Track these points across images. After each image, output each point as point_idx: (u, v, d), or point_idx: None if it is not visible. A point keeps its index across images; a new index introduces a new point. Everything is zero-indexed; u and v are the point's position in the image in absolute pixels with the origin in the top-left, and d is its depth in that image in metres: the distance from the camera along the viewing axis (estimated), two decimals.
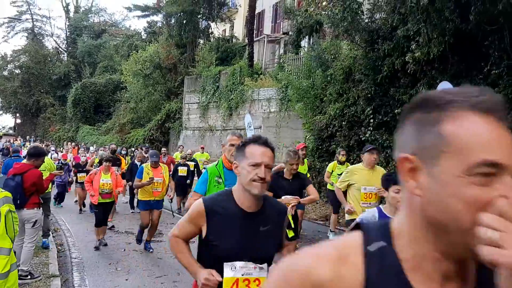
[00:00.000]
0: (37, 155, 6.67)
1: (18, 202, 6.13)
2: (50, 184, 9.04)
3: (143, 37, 42.92)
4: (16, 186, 6.17)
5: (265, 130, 20.02)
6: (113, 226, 10.64)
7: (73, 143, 27.84)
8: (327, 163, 13.40)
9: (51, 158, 14.09)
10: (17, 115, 56.80)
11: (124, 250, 8.67)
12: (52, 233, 9.85)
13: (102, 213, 8.68)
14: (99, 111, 39.84)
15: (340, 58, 14.25)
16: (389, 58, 11.61)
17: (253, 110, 20.93)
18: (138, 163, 12.04)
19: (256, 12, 26.35)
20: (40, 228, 6.77)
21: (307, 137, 15.52)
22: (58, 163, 12.61)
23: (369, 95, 12.67)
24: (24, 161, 6.79)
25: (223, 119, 23.89)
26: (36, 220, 6.44)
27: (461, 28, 9.76)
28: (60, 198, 13.89)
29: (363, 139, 12.86)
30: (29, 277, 6.34)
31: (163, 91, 30.99)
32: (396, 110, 11.85)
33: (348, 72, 13.69)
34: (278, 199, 4.02)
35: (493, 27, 9.49)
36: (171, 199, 10.64)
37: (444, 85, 8.90)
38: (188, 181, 13.23)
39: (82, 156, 14.00)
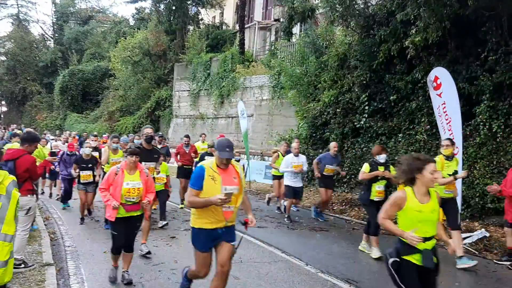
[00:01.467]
0: (31, 140, 6.41)
1: None
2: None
3: (131, 24, 42.29)
4: (8, 172, 5.92)
5: (257, 118, 19.88)
6: (148, 252, 7.24)
7: (72, 132, 24.78)
8: (320, 151, 13.35)
9: (51, 147, 13.51)
10: (3, 102, 55.88)
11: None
12: (43, 221, 9.67)
13: (125, 234, 5.88)
14: (87, 98, 39.29)
15: (334, 44, 14.12)
16: (385, 44, 11.51)
17: (245, 97, 20.74)
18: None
19: None
20: (33, 216, 6.56)
21: (300, 125, 15.41)
22: (63, 153, 11.70)
23: (364, 82, 12.59)
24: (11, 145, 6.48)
25: (214, 107, 23.68)
26: (30, 208, 6.20)
27: (459, 13, 9.67)
28: (66, 195, 11.67)
29: (357, 126, 12.80)
30: (22, 265, 6.15)
31: (153, 79, 30.61)
32: (392, 97, 11.79)
33: (343, 58, 13.58)
34: None
35: (491, 13, 9.43)
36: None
37: (439, 71, 8.82)
38: None
39: (86, 147, 10.29)
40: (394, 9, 10.78)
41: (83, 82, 38.76)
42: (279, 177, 11.22)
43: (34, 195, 6.36)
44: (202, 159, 10.84)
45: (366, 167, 7.59)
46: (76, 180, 10.17)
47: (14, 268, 5.91)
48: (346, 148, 13.20)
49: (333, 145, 10.50)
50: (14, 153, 6.18)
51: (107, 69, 36.33)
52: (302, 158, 10.58)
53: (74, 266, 6.73)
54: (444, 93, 8.59)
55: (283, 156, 10.93)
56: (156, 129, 28.56)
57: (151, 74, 30.67)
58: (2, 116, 56.13)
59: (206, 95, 24.76)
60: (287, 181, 10.45)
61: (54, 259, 6.92)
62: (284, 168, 10.40)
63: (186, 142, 12.53)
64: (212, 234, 4.65)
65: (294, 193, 10.45)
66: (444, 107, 8.54)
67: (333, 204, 12.28)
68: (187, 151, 12.30)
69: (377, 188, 7.51)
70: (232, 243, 4.71)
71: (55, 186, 14.03)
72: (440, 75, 8.74)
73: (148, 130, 7.96)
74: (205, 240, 4.67)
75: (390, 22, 11.41)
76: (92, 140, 11.21)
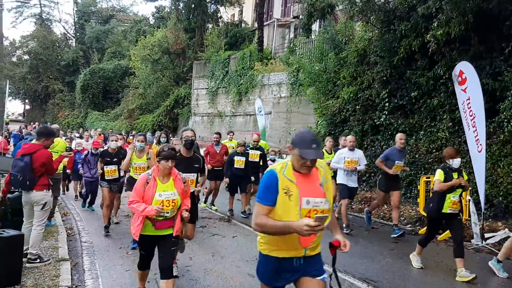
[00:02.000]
0: (47, 134, 6.36)
1: (28, 183, 6.00)
2: (62, 165, 8.91)
3: (151, 23, 42.60)
4: (24, 167, 5.96)
5: (275, 116, 19.74)
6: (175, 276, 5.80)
7: (98, 129, 24.56)
8: (339, 148, 13.11)
9: (75, 146, 12.75)
10: (26, 101, 56.93)
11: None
12: (61, 217, 9.73)
13: (150, 251, 4.91)
14: (108, 97, 39.76)
15: (354, 40, 13.89)
16: (406, 39, 11.25)
17: (263, 95, 20.61)
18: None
19: None
20: (49, 210, 6.57)
21: (319, 122, 15.22)
22: (87, 153, 10.65)
23: (385, 78, 12.34)
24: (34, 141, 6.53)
25: (232, 105, 23.60)
26: (45, 202, 6.18)
27: (482, 7, 9.37)
28: (91, 198, 10.90)
29: (377, 123, 12.56)
30: (38, 260, 6.17)
31: (172, 77, 30.74)
32: (413, 93, 11.53)
33: (362, 54, 13.34)
34: None
35: None
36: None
37: (464, 66, 8.53)
38: (252, 178, 10.49)
39: (112, 141, 8.94)
40: (415, 3, 10.53)
41: (104, 80, 39.24)
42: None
43: (50, 190, 6.36)
44: (231, 160, 10.23)
45: (440, 174, 6.47)
46: (99, 177, 9.02)
47: (30, 262, 5.98)
48: (365, 145, 12.97)
49: (399, 137, 8.85)
50: (30, 147, 6.16)
51: (127, 68, 36.70)
52: (358, 153, 9.15)
53: (89, 262, 6.73)
54: (468, 88, 8.29)
55: (329, 154, 9.81)
56: (174, 127, 28.71)
57: (170, 72, 30.80)
58: (25, 114, 57.22)
59: (224, 93, 24.70)
60: (341, 178, 9.09)
61: (69, 254, 6.93)
62: (335, 164, 8.98)
63: (217, 140, 11.21)
64: (285, 265, 3.19)
65: (350, 193, 9.18)
66: (469, 103, 8.24)
67: (352, 203, 12.07)
68: (217, 151, 11.04)
69: (452, 198, 6.43)
70: (321, 278, 3.23)
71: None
72: (465, 69, 8.44)
73: (188, 133, 6.22)
74: (274, 273, 3.22)
75: (411, 17, 11.15)
76: (116, 139, 8.89)
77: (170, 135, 10.78)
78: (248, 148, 10.68)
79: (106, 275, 6.15)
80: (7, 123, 25.36)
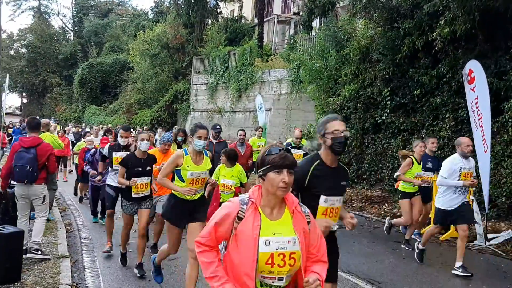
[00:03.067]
0: (36, 126, 6.43)
1: (35, 174, 6.02)
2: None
3: (150, 17, 42.39)
4: (33, 158, 5.99)
5: (275, 112, 19.65)
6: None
7: (108, 125, 23.89)
8: None
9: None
10: (24, 94, 56.65)
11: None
12: (60, 213, 9.62)
13: None
14: (106, 91, 39.57)
15: (356, 37, 13.77)
16: (409, 37, 11.13)
17: (263, 91, 20.51)
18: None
19: None
20: (48, 203, 6.64)
21: (320, 120, 15.13)
22: (95, 152, 8.74)
23: (387, 76, 12.23)
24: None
25: (232, 101, 23.50)
26: (44, 196, 6.26)
27: (489, 5, 9.26)
28: (94, 207, 9.05)
29: (378, 121, 12.47)
30: (39, 252, 6.16)
31: (171, 72, 30.60)
32: (415, 92, 11.43)
33: (365, 52, 13.22)
34: None
35: None
36: None
37: (473, 64, 8.43)
38: None
39: (143, 140, 5.89)
40: (420, 1, 10.41)
41: (102, 74, 39.03)
42: (410, 195, 7.59)
43: (46, 184, 6.40)
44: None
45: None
46: (121, 193, 6.27)
47: (31, 253, 6.05)
48: (366, 144, 12.89)
49: (466, 142, 6.49)
50: (34, 140, 6.17)
51: (125, 62, 36.51)
52: (473, 162, 6.74)
53: (90, 259, 6.64)
54: (477, 88, 8.21)
55: (418, 164, 7.48)
56: (173, 123, 28.58)
57: (169, 67, 30.67)
58: (22, 107, 56.92)
59: (224, 89, 24.59)
60: (442, 201, 6.54)
61: (69, 251, 6.83)
62: (447, 180, 6.43)
63: (241, 139, 9.41)
64: None
65: (444, 218, 6.66)
66: (477, 102, 8.15)
67: (352, 201, 12.02)
68: (242, 153, 8.94)
69: None
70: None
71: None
72: (474, 68, 8.35)
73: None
74: None
75: (415, 15, 11.03)
76: (146, 138, 6.08)
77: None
78: (288, 147, 8.80)
79: (106, 272, 6.06)
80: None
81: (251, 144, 10.07)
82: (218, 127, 9.34)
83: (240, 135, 9.53)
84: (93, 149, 9.25)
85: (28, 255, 6.00)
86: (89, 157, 8.97)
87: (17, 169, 6.00)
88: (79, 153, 10.74)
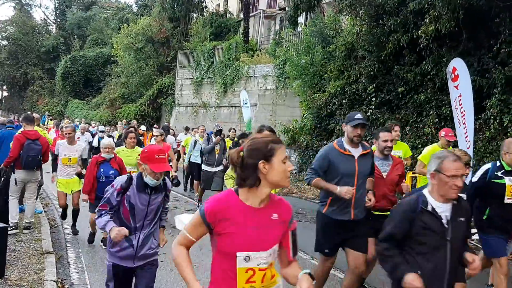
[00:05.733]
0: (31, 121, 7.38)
1: (41, 162, 7.30)
2: None
3: (134, 10, 41.90)
4: (40, 149, 7.14)
5: (261, 108, 19.65)
6: None
7: (123, 120, 22.51)
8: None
9: (97, 144, 11.65)
10: (4, 87, 55.61)
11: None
12: (43, 208, 9.51)
13: None
14: (89, 85, 39.02)
15: (342, 34, 13.86)
16: (394, 34, 11.26)
17: (249, 87, 20.47)
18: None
19: None
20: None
21: (305, 115, 15.20)
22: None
23: (372, 73, 12.35)
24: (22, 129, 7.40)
25: (217, 96, 23.41)
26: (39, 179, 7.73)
27: (473, 3, 9.40)
28: None
29: None
30: (31, 227, 7.37)
31: (155, 66, 30.32)
32: (400, 89, 11.57)
33: (350, 48, 13.33)
34: None
35: (505, 4, 9.18)
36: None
37: (457, 62, 8.56)
38: None
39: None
40: None
41: (85, 68, 38.45)
42: None
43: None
44: None
45: None
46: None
47: (27, 228, 7.22)
48: None
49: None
50: (36, 133, 7.24)
51: (109, 56, 36.03)
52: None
53: (74, 255, 6.59)
54: (460, 85, 8.36)
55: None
56: (157, 117, 28.39)
57: (154, 62, 30.37)
58: (3, 101, 55.91)
59: (209, 84, 24.48)
60: None
61: (53, 247, 6.76)
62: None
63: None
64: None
65: None
66: (460, 100, 8.31)
67: None
68: None
69: None
70: None
71: None
72: (458, 66, 8.50)
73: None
74: None
75: (400, 12, 11.15)
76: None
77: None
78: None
79: (92, 269, 6.02)
80: None
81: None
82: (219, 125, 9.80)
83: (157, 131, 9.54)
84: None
85: (24, 231, 7.21)
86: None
87: (30, 158, 6.99)
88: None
